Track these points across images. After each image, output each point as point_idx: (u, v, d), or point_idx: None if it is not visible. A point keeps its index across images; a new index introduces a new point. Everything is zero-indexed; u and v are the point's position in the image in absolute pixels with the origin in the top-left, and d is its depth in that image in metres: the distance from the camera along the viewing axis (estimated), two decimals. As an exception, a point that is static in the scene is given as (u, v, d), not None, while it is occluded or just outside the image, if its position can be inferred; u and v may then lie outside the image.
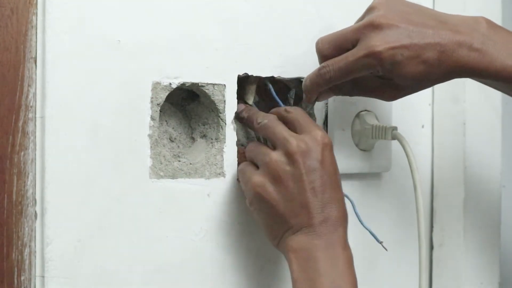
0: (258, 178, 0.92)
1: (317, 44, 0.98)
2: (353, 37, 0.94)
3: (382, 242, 1.01)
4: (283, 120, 0.95)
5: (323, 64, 0.96)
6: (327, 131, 1.06)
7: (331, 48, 0.96)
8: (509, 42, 0.94)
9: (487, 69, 0.94)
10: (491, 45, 0.93)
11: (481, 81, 0.99)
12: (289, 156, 0.90)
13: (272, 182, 0.91)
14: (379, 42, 0.92)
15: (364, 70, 0.94)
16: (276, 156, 0.91)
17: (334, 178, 0.91)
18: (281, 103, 1.01)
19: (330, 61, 0.95)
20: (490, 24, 0.95)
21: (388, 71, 0.93)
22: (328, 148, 0.91)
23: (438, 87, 1.18)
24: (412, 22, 0.93)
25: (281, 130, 0.93)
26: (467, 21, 0.96)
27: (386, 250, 1.01)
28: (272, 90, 1.02)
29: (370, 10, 0.95)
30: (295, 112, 0.95)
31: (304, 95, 1.00)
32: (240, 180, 0.97)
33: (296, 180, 0.90)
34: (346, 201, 0.95)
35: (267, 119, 0.95)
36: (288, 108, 0.96)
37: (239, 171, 0.97)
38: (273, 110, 0.98)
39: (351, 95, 1.01)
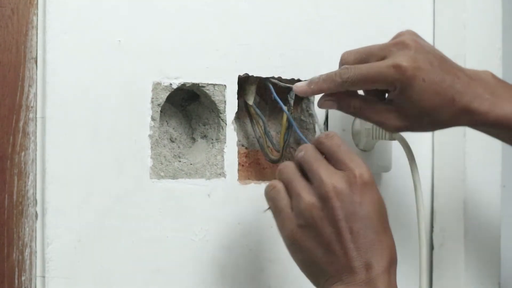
0: (292, 225, 0.86)
1: (342, 55, 0.96)
2: (380, 54, 0.94)
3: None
4: (320, 149, 0.89)
5: (345, 65, 0.94)
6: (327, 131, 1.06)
7: (356, 60, 0.95)
8: None
9: (497, 116, 0.95)
10: (500, 94, 0.96)
11: (490, 132, 1.01)
12: (324, 200, 0.84)
13: (307, 229, 0.85)
14: (406, 59, 0.92)
15: (384, 82, 0.93)
16: (310, 200, 0.85)
17: (376, 220, 0.85)
18: (281, 103, 1.01)
19: (353, 65, 0.94)
20: (495, 76, 0.98)
21: (405, 90, 0.92)
22: (368, 186, 0.85)
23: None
24: (436, 56, 0.95)
25: (317, 167, 0.86)
26: (477, 72, 0.98)
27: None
28: (273, 90, 1.02)
29: (397, 37, 0.96)
30: (332, 143, 0.88)
31: (305, 86, 0.96)
32: (272, 212, 0.89)
33: (332, 226, 0.84)
34: None
35: (304, 150, 0.89)
36: (325, 135, 0.89)
37: (270, 199, 0.89)
38: (314, 139, 0.91)
39: (355, 115, 0.98)
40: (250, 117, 1.03)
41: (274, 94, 1.02)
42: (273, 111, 1.06)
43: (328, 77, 0.94)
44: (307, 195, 0.85)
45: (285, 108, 1.01)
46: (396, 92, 0.93)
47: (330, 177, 0.85)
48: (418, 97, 0.92)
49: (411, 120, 0.95)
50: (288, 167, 0.89)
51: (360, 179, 0.85)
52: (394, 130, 0.97)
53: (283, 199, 0.87)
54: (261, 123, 1.02)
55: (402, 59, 0.92)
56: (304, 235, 0.85)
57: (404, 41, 0.94)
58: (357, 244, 0.83)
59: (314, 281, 0.87)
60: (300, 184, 0.87)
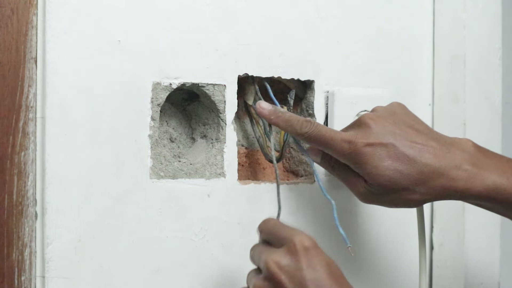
0: None
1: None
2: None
3: (349, 246, 0.94)
4: (263, 238, 0.90)
5: (310, 119, 0.95)
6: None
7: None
8: (498, 162, 0.93)
9: (478, 191, 0.93)
10: (481, 165, 0.93)
11: (477, 204, 0.98)
12: (271, 279, 0.84)
13: None
14: (360, 135, 0.92)
15: (335, 153, 0.93)
16: (258, 282, 0.85)
17: (328, 279, 0.83)
18: (277, 103, 1.01)
19: (317, 123, 0.94)
20: (476, 145, 0.95)
21: (360, 167, 0.92)
22: (311, 251, 0.84)
23: (438, 86, 1.18)
24: (404, 129, 0.92)
25: (260, 253, 0.87)
26: (457, 141, 0.95)
27: (352, 255, 0.94)
28: (270, 90, 1.02)
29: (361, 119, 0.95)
30: (268, 226, 0.89)
31: (267, 111, 0.97)
32: None
33: None
34: (327, 205, 0.94)
35: (252, 249, 0.90)
36: (262, 222, 0.91)
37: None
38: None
39: (331, 171, 0.99)
40: (250, 117, 1.03)
41: (272, 94, 1.02)
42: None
43: (290, 120, 0.95)
44: (256, 281, 0.85)
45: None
46: (353, 167, 0.94)
47: (270, 256, 0.84)
48: (376, 175, 0.92)
49: (378, 196, 0.95)
50: (251, 250, 0.90)
51: (300, 245, 0.84)
52: (361, 200, 0.97)
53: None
54: (261, 123, 1.02)
55: (357, 135, 0.92)
56: None
57: (362, 120, 0.94)
58: None
59: None
60: (253, 274, 0.87)
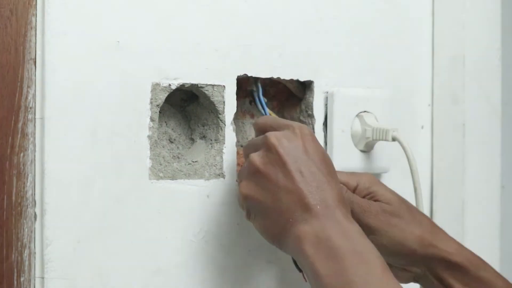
0: (243, 182, 0.88)
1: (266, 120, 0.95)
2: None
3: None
4: (258, 132, 0.92)
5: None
6: (326, 132, 1.06)
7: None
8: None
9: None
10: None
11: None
12: (269, 149, 0.86)
13: (257, 180, 0.87)
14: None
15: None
16: (256, 155, 0.87)
17: (322, 165, 0.86)
18: (264, 104, 1.02)
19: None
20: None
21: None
22: (309, 137, 0.87)
23: (437, 86, 1.18)
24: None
25: (255, 139, 0.90)
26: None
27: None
28: (261, 92, 1.02)
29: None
30: (263, 118, 0.93)
31: None
32: None
33: (280, 170, 0.85)
34: None
35: (246, 144, 0.93)
36: (256, 121, 0.94)
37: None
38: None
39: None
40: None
41: (261, 95, 1.02)
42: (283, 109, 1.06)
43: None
44: (254, 153, 0.88)
45: (268, 111, 1.02)
46: None
47: (273, 133, 0.88)
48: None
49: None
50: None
51: (300, 131, 0.87)
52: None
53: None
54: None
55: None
56: (254, 186, 0.87)
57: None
58: (308, 183, 0.84)
59: (274, 234, 0.86)
60: (252, 151, 0.89)
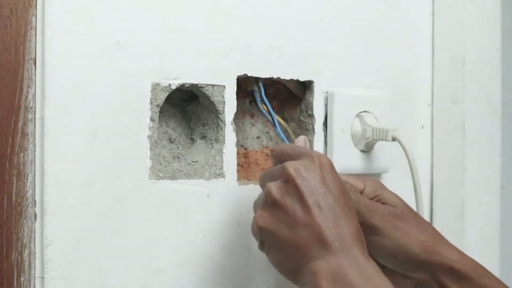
0: (258, 212, 0.87)
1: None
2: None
3: None
4: (275, 160, 0.91)
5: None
6: (326, 132, 1.06)
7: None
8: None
9: None
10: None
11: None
12: (287, 181, 0.85)
13: (273, 211, 0.85)
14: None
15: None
16: (273, 184, 0.86)
17: (340, 196, 0.85)
18: (261, 107, 1.02)
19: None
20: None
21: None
22: (327, 168, 0.86)
23: (437, 86, 1.18)
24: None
25: (272, 169, 0.89)
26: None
27: None
28: (263, 92, 1.02)
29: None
30: (280, 146, 0.92)
31: None
32: None
33: (298, 202, 0.84)
34: None
35: (263, 172, 0.91)
36: (273, 149, 0.92)
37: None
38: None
39: None
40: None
41: (264, 96, 1.02)
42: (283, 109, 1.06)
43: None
44: (271, 183, 0.86)
45: (273, 113, 1.02)
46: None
47: (291, 163, 0.86)
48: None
49: None
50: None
51: (319, 161, 0.86)
52: None
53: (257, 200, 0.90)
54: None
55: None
56: (270, 217, 0.85)
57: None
58: (326, 217, 0.83)
59: (290, 270, 0.85)
60: (268, 180, 0.88)
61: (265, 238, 0.86)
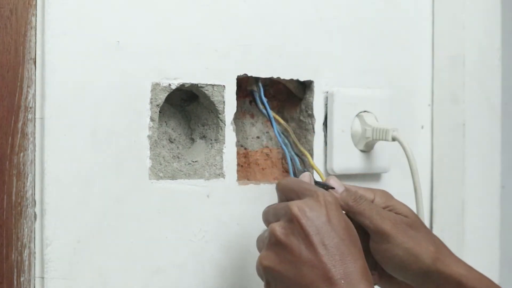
0: (263, 253, 0.86)
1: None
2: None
3: None
4: (282, 199, 0.90)
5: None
6: (326, 132, 1.06)
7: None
8: None
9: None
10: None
11: None
12: (292, 220, 0.84)
13: (278, 251, 0.84)
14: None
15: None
16: (277, 225, 0.85)
17: (345, 235, 0.84)
18: (261, 107, 1.02)
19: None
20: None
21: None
22: (332, 206, 0.86)
23: (437, 86, 1.18)
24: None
25: (276, 206, 0.89)
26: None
27: None
28: (262, 93, 1.02)
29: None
30: (285, 180, 0.91)
31: None
32: None
33: (303, 242, 0.83)
34: None
35: (267, 208, 0.90)
36: (279, 183, 0.92)
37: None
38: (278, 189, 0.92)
39: None
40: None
41: (263, 97, 1.02)
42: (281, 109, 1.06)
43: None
44: (275, 223, 0.86)
45: (270, 113, 1.02)
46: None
47: (295, 202, 0.86)
48: None
49: None
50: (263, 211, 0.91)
51: (323, 199, 0.86)
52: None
53: (260, 242, 0.89)
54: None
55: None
56: (276, 258, 0.85)
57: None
58: (332, 256, 0.82)
59: None
60: (272, 219, 0.88)
61: (271, 278, 0.86)
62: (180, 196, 0.95)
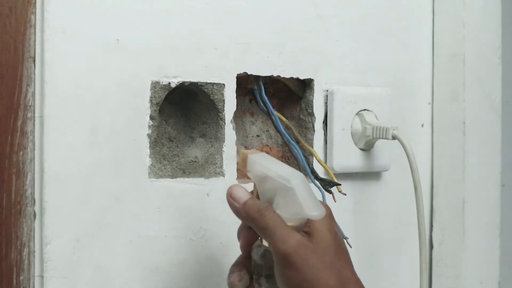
0: None
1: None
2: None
3: (347, 238, 0.97)
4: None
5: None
6: (326, 130, 1.06)
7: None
8: None
9: None
10: None
11: None
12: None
13: None
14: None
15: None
16: None
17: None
18: (262, 105, 1.02)
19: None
20: None
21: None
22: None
23: (438, 85, 1.18)
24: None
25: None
26: None
27: (351, 247, 0.93)
28: (263, 92, 1.02)
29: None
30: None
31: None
32: None
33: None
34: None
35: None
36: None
37: None
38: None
39: None
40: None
41: (264, 95, 1.02)
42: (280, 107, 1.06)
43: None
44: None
45: (273, 111, 1.02)
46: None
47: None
48: None
49: None
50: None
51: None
52: None
53: None
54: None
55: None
56: None
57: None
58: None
59: None
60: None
61: None
62: (179, 194, 0.95)
